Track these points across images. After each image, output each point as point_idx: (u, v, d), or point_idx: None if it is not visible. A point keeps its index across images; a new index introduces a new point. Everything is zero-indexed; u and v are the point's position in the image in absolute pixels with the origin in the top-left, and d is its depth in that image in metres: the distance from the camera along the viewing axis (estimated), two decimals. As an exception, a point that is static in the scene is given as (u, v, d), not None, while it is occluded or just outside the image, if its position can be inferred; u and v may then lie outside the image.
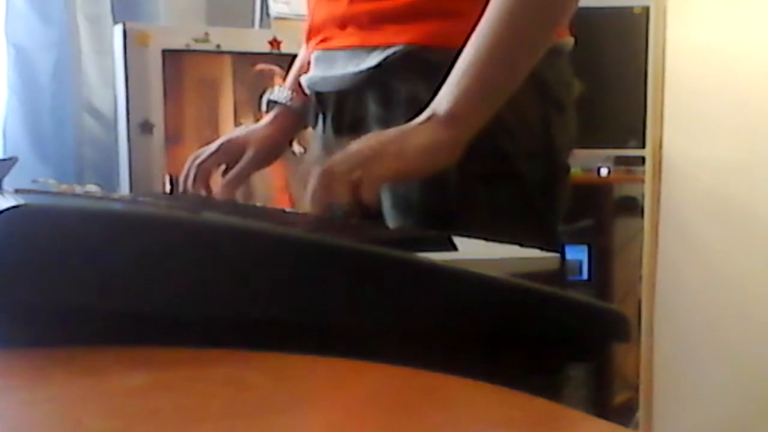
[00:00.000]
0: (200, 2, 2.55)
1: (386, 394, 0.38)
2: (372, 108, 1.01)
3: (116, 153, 2.08)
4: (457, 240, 0.63)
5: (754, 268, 1.86)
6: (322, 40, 1.06)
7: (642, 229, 2.10)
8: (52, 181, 1.09)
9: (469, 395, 0.38)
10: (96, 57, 2.21)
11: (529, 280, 0.53)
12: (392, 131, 0.88)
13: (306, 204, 0.85)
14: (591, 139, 2.19)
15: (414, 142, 0.86)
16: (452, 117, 0.87)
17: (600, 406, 2.69)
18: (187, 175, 1.14)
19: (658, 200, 2.05)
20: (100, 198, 0.87)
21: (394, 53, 0.97)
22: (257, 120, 1.21)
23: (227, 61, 2.10)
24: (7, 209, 0.40)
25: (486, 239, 0.70)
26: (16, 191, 0.85)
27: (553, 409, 0.36)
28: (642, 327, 2.07)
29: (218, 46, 2.05)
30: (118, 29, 1.99)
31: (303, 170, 0.86)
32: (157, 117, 1.98)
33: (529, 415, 0.36)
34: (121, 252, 0.42)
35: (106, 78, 2.19)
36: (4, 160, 1.67)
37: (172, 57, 2.00)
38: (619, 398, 2.78)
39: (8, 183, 1.00)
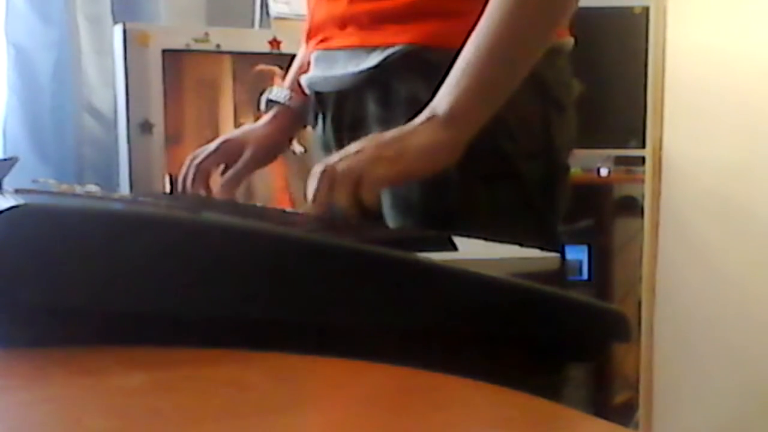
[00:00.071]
0: (200, 2, 2.54)
1: (386, 394, 0.38)
2: (372, 108, 1.01)
3: (116, 153, 2.08)
4: (457, 240, 0.63)
5: (754, 268, 1.86)
6: (322, 40, 1.06)
7: (642, 229, 2.10)
8: (52, 181, 1.09)
9: (469, 395, 0.38)
10: (96, 57, 2.21)
11: (529, 280, 0.53)
12: (392, 132, 0.88)
13: (307, 203, 0.85)
14: (591, 139, 2.19)
15: (414, 142, 0.86)
16: (452, 117, 0.87)
17: (600, 406, 2.69)
18: (186, 175, 1.14)
19: (658, 200, 2.05)
20: (100, 198, 0.87)
21: (394, 53, 0.97)
22: (257, 120, 1.21)
23: (227, 61, 2.10)
24: (7, 209, 0.40)
25: (486, 239, 0.70)
26: (16, 191, 0.85)
27: (553, 409, 0.36)
28: (642, 327, 2.07)
29: (218, 46, 2.05)
30: (118, 29, 1.99)
31: (304, 171, 0.86)
32: (157, 117, 1.98)
33: (529, 415, 0.36)
34: (121, 252, 0.42)
35: (106, 78, 2.19)
36: (4, 160, 1.67)
37: (172, 57, 2.00)
38: (619, 398, 2.78)
39: (8, 183, 1.00)
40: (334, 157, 0.86)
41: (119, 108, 2.03)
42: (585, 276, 2.79)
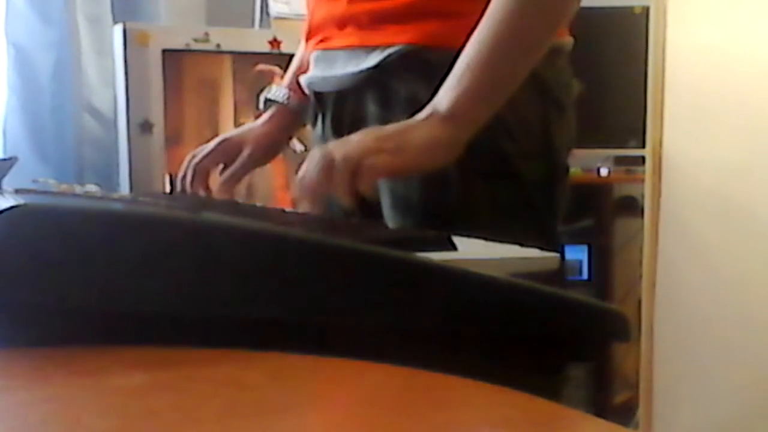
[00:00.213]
0: (200, 2, 2.54)
1: (386, 394, 0.38)
2: (371, 108, 1.01)
3: (116, 153, 2.08)
4: (457, 240, 0.63)
5: (754, 268, 1.86)
6: (322, 40, 1.06)
7: (642, 229, 2.10)
8: (52, 181, 1.09)
9: (469, 395, 0.38)
10: (96, 57, 2.21)
11: (529, 280, 0.53)
12: (393, 126, 0.88)
13: (302, 192, 0.84)
14: (591, 139, 2.19)
15: (413, 137, 0.86)
16: (452, 115, 0.87)
17: (600, 406, 2.69)
18: (185, 175, 1.14)
19: (658, 200, 2.05)
20: (100, 198, 0.87)
21: (394, 53, 0.97)
22: (257, 119, 1.22)
23: (227, 61, 2.10)
24: (7, 209, 0.40)
25: (486, 239, 0.70)
26: (16, 191, 0.85)
27: (553, 409, 0.36)
28: (642, 327, 2.07)
29: (218, 46, 2.05)
30: (118, 29, 1.99)
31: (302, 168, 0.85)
32: (157, 117, 1.98)
33: (529, 415, 0.36)
34: (121, 252, 0.42)
35: (106, 78, 2.19)
36: (4, 160, 1.67)
37: (172, 57, 2.00)
38: (619, 398, 2.78)
39: (8, 183, 1.00)
40: (335, 143, 0.85)
41: (119, 108, 2.03)
42: (585, 276, 2.79)
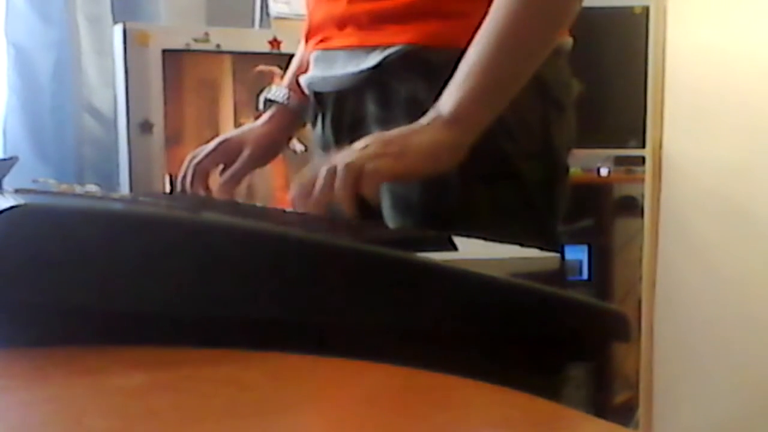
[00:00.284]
0: (200, 2, 2.55)
1: (386, 394, 0.38)
2: (371, 108, 1.01)
3: (116, 153, 2.08)
4: (457, 240, 0.63)
5: (754, 268, 1.86)
6: (322, 40, 1.06)
7: (642, 229, 2.10)
8: (52, 181, 1.09)
9: (469, 395, 0.38)
10: (96, 57, 2.21)
11: (529, 280, 0.53)
12: (396, 130, 0.88)
13: (301, 201, 0.84)
14: (591, 139, 2.19)
15: (417, 141, 0.86)
16: (456, 118, 0.87)
17: (600, 406, 2.69)
18: (185, 175, 1.14)
19: (658, 200, 2.05)
20: (100, 198, 0.87)
21: (394, 53, 0.97)
22: (257, 119, 1.21)
23: (227, 61, 2.10)
24: (7, 209, 0.40)
25: (486, 239, 0.70)
26: (16, 191, 0.85)
27: (553, 409, 0.36)
28: (642, 327, 2.07)
29: (218, 46, 2.05)
30: (118, 29, 1.99)
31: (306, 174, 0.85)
32: (157, 117, 1.98)
33: (529, 415, 0.36)
34: (121, 252, 0.42)
35: (106, 78, 2.19)
36: (4, 160, 1.67)
37: (172, 57, 2.00)
38: (619, 398, 2.78)
39: (8, 183, 1.00)
40: (338, 155, 0.85)
41: (119, 108, 2.03)
42: (585, 276, 2.79)
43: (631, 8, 2.42)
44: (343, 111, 1.05)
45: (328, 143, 1.07)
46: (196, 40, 2.02)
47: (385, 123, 0.97)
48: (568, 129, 1.02)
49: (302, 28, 1.12)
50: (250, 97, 2.04)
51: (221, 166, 1.16)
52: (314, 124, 1.12)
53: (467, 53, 0.89)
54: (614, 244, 2.85)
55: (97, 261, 0.41)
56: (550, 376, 0.55)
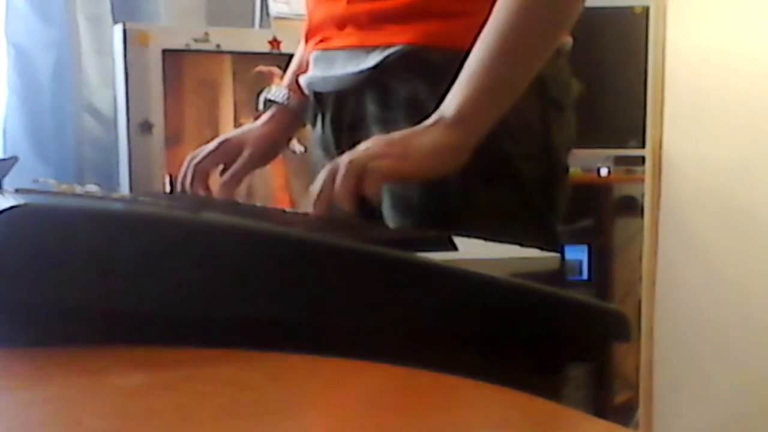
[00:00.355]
0: (200, 2, 2.54)
1: (386, 394, 0.38)
2: (371, 108, 1.01)
3: (116, 153, 2.08)
4: (457, 240, 0.63)
5: (754, 268, 1.86)
6: (321, 41, 1.06)
7: (642, 229, 2.10)
8: (52, 181, 1.09)
9: (469, 395, 0.38)
10: (96, 57, 2.21)
11: (529, 280, 0.53)
12: (400, 132, 0.88)
13: (307, 197, 0.84)
14: (591, 139, 2.19)
15: (419, 142, 0.86)
16: (459, 120, 0.87)
17: (600, 406, 2.69)
18: (185, 176, 1.14)
19: (658, 200, 2.05)
20: (101, 198, 0.87)
21: (394, 53, 0.97)
22: (257, 120, 1.21)
23: (227, 61, 2.10)
24: (8, 209, 0.40)
25: (486, 239, 0.70)
26: (16, 191, 0.85)
27: (553, 409, 0.36)
28: (642, 327, 2.07)
29: (218, 46, 2.05)
30: (118, 29, 1.99)
31: (304, 170, 0.85)
32: (157, 117, 1.98)
33: (529, 415, 0.36)
34: (121, 252, 0.42)
35: (106, 78, 2.19)
36: (4, 160, 1.67)
37: (172, 57, 2.00)
38: (619, 398, 2.78)
39: (8, 183, 1.00)
40: (342, 157, 0.85)
41: (119, 108, 2.03)
42: (585, 276, 2.79)
43: (631, 8, 2.42)
44: (342, 111, 1.05)
45: (328, 143, 1.07)
46: (196, 40, 2.02)
47: (385, 123, 0.97)
48: (567, 129, 1.02)
49: (302, 28, 1.12)
50: (250, 97, 2.04)
51: (221, 167, 1.16)
52: (314, 125, 1.12)
53: (470, 55, 0.89)
54: (614, 244, 2.85)
55: (97, 261, 0.41)
56: (550, 376, 0.55)
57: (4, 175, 1.00)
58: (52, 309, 0.41)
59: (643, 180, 2.11)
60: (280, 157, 1.24)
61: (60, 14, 2.16)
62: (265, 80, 2.06)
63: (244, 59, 2.10)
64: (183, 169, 1.15)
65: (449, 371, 0.38)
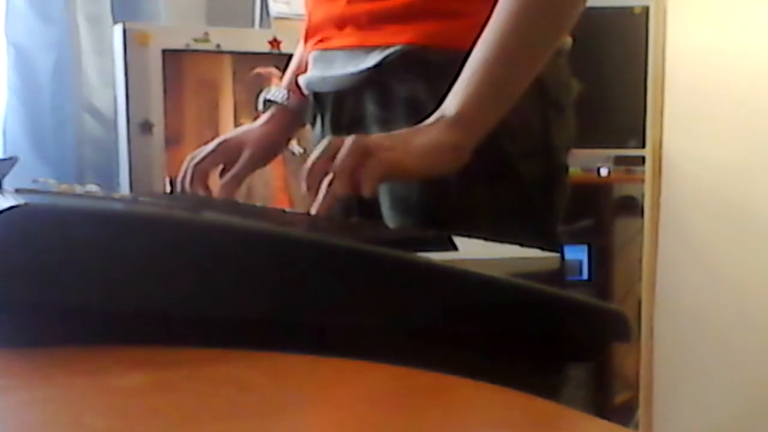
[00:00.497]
0: (200, 2, 2.55)
1: (386, 394, 0.38)
2: (371, 108, 1.01)
3: (116, 153, 2.08)
4: (457, 240, 0.63)
5: (754, 268, 1.86)
6: (321, 41, 1.06)
7: (642, 229, 2.11)
8: (52, 181, 1.09)
9: (469, 395, 0.38)
10: (96, 57, 2.21)
11: (529, 280, 0.53)
12: (400, 130, 0.88)
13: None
14: (591, 139, 2.19)
15: (420, 141, 0.86)
16: (460, 119, 0.87)
17: (600, 406, 2.69)
18: (184, 176, 1.14)
19: (658, 200, 2.05)
20: (101, 198, 0.87)
21: (393, 53, 0.97)
22: (256, 120, 1.21)
23: (227, 61, 2.10)
24: (8, 209, 0.40)
25: (486, 239, 0.70)
26: (16, 191, 0.85)
27: (553, 409, 0.36)
28: (642, 327, 2.07)
29: (218, 46, 2.05)
30: (118, 29, 1.99)
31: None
32: (157, 117, 1.98)
33: (529, 415, 0.36)
34: (121, 252, 0.42)
35: (106, 78, 2.19)
36: (4, 160, 1.67)
37: (172, 57, 2.00)
38: (619, 398, 2.78)
39: (8, 183, 1.00)
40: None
41: (119, 108, 2.03)
42: (585, 276, 2.79)
43: (631, 8, 2.42)
44: (342, 111, 1.05)
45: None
46: (196, 40, 2.02)
47: (385, 123, 0.97)
48: (567, 129, 1.02)
49: (302, 28, 1.12)
50: (250, 97, 2.04)
51: (221, 167, 1.16)
52: (313, 125, 1.12)
53: (471, 55, 0.89)
54: (614, 244, 2.85)
55: (97, 261, 0.41)
56: (550, 376, 0.55)
57: (4, 175, 1.00)
58: (52, 309, 0.41)
59: (643, 180, 2.11)
60: (279, 158, 1.24)
61: (60, 14, 2.16)
62: (264, 82, 2.06)
63: (244, 59, 2.10)
64: (183, 169, 1.15)
65: (449, 371, 0.38)
